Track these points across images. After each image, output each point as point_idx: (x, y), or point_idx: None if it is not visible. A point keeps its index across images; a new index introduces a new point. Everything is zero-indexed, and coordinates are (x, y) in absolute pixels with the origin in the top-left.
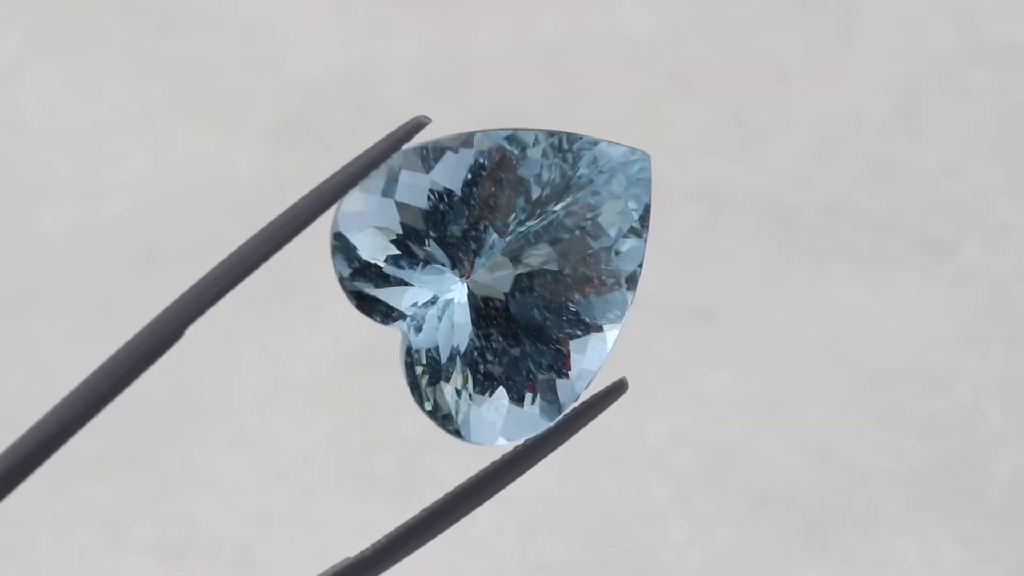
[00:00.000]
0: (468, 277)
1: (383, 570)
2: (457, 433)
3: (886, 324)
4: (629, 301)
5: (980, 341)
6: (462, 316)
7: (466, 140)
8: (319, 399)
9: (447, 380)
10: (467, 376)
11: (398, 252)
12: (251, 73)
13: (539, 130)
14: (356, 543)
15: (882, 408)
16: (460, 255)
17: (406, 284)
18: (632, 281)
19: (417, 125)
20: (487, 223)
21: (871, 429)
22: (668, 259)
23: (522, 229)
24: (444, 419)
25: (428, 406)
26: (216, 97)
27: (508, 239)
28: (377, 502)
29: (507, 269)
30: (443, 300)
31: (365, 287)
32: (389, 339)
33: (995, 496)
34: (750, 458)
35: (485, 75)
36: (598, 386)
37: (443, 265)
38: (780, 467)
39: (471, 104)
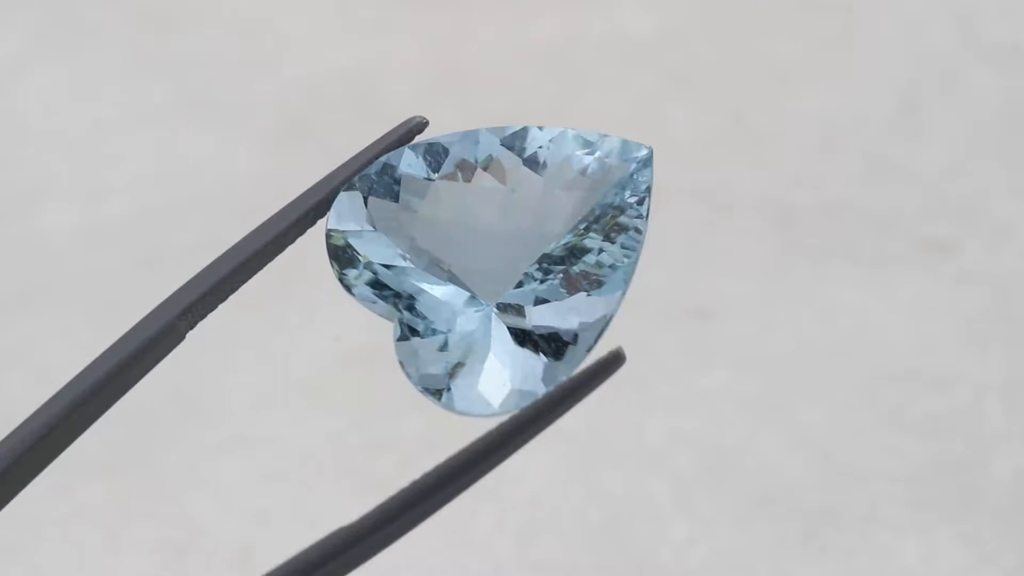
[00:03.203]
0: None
1: (372, 546)
2: (448, 402)
3: (886, 324)
4: (627, 280)
5: (980, 341)
6: (459, 296)
7: (464, 139)
8: (319, 399)
9: (439, 348)
10: (459, 346)
11: (394, 248)
12: (251, 73)
13: (537, 128)
14: None
15: (882, 408)
16: None
17: (402, 276)
18: (632, 254)
19: (416, 126)
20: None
21: (871, 429)
22: (668, 259)
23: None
24: (433, 388)
25: (417, 374)
26: (216, 97)
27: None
28: (377, 502)
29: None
30: (439, 286)
31: (362, 282)
32: (389, 339)
33: (995, 496)
34: (750, 458)
35: (485, 75)
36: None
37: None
38: (780, 467)
39: (471, 104)
